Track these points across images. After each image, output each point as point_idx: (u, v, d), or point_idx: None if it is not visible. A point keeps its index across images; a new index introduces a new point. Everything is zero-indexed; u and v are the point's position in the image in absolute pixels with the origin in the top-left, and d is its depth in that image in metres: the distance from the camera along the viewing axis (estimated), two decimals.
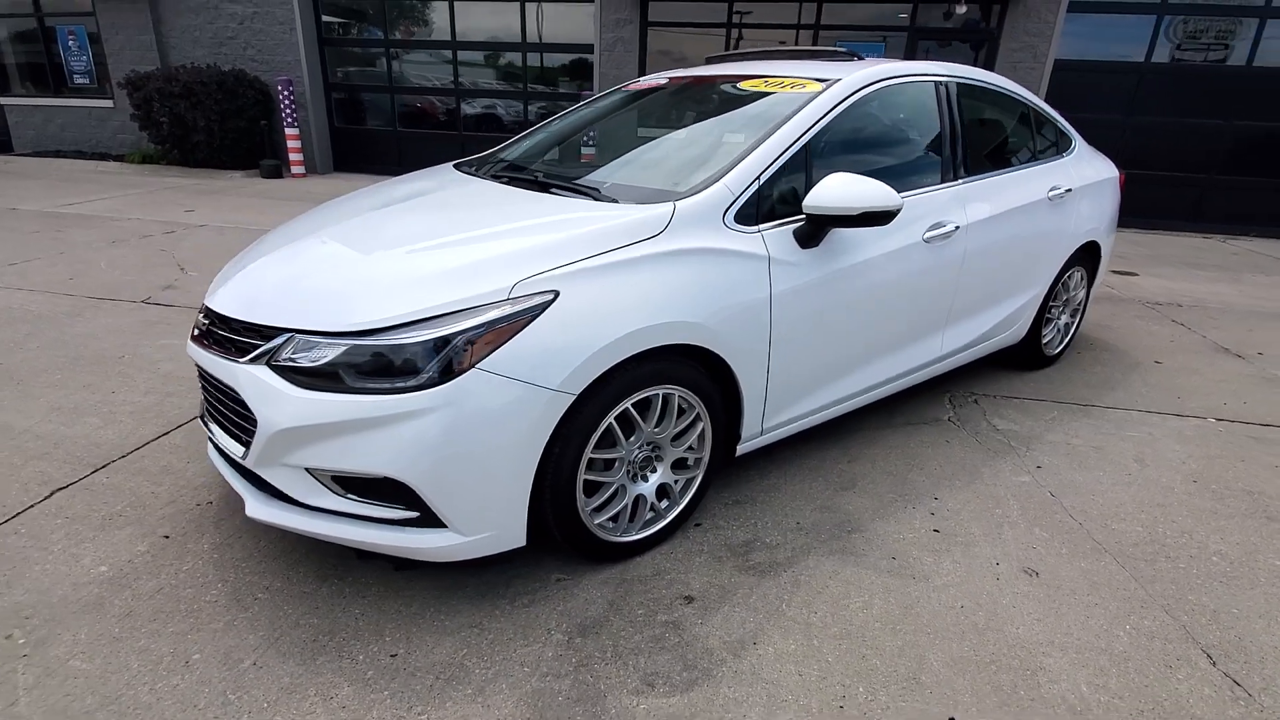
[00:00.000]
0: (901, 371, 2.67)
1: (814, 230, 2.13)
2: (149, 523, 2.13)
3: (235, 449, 1.82)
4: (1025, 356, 3.53)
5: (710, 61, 3.26)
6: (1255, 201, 8.05)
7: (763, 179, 2.08)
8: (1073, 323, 3.75)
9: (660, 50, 8.72)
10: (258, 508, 1.80)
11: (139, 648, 1.65)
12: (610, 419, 1.81)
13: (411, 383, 1.58)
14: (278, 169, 9.10)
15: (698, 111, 2.61)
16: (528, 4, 8.88)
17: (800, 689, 1.62)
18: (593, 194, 2.16)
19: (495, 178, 2.53)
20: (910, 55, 8.11)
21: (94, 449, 2.52)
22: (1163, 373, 3.70)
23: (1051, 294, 3.38)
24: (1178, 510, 2.41)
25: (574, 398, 1.69)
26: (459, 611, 1.82)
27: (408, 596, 1.86)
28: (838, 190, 2.01)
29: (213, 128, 8.54)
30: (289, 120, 9.09)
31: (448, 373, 1.59)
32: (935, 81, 2.71)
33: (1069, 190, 3.24)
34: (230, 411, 1.84)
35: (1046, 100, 7.57)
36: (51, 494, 2.25)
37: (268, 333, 1.73)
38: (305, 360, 1.66)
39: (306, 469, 1.69)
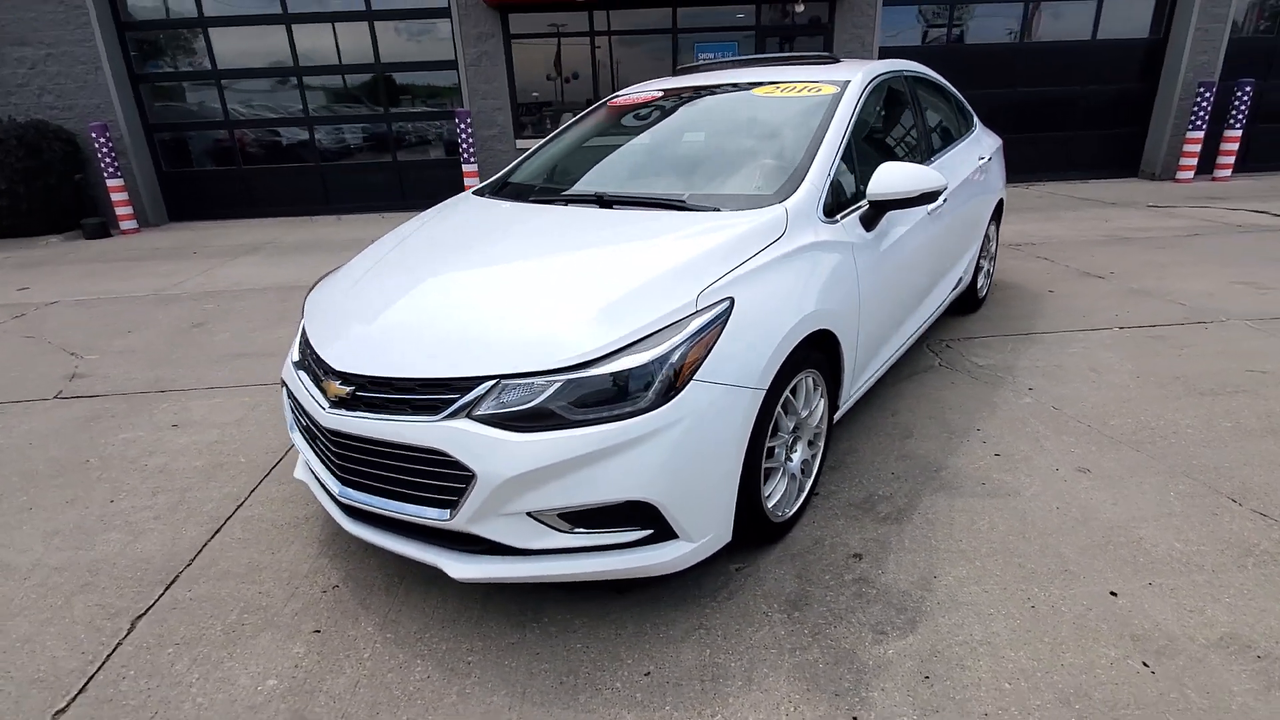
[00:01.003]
0: (917, 328, 3.06)
1: (875, 214, 2.41)
2: (284, 623, 1.92)
3: (430, 514, 1.72)
4: (966, 302, 4.12)
5: (683, 73, 3.45)
6: (1040, 154, 9.78)
7: (830, 175, 2.32)
8: (991, 269, 4.44)
9: (528, 61, 8.73)
10: (463, 568, 1.73)
11: None
12: (779, 408, 1.96)
13: (641, 404, 1.62)
14: (103, 227, 7.87)
15: (728, 119, 2.79)
16: (377, 23, 8.44)
17: (993, 603, 1.89)
18: (678, 206, 2.27)
19: (550, 202, 2.56)
20: (759, 52, 8.84)
21: (145, 565, 2.19)
22: (1059, 299, 4.50)
23: (982, 246, 3.99)
24: (1142, 401, 3.02)
25: (765, 392, 1.82)
26: (674, 621, 1.87)
27: (613, 622, 1.88)
28: (897, 177, 2.30)
29: (16, 189, 7.18)
30: (109, 171, 7.88)
31: (670, 388, 1.65)
32: (903, 75, 3.12)
33: (987, 158, 3.85)
34: (415, 476, 1.73)
35: None
36: (134, 624, 1.94)
37: (460, 385, 1.66)
38: (517, 404, 1.63)
39: (528, 513, 1.66)
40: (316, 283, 2.56)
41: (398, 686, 1.70)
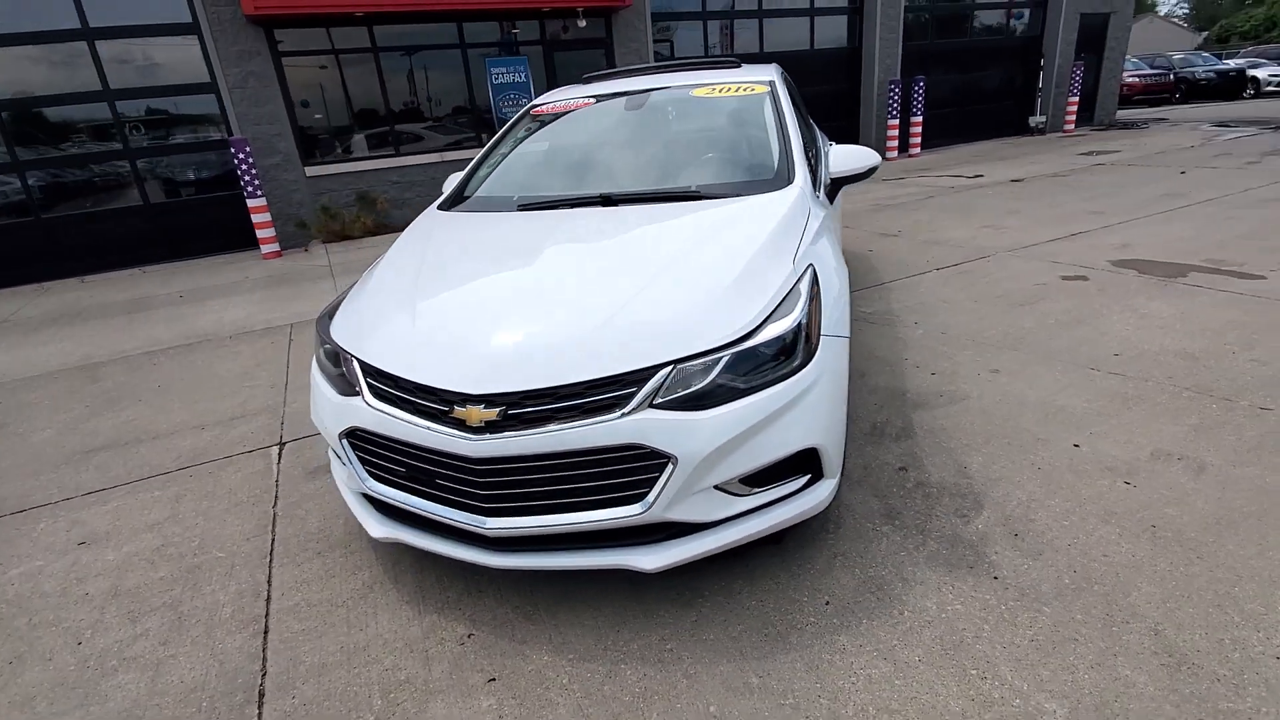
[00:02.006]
0: None
1: (835, 189, 2.84)
2: (446, 685, 1.73)
3: (619, 513, 1.71)
4: None
5: (590, 80, 3.58)
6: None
7: (807, 159, 2.69)
8: None
9: (309, 80, 7.89)
10: (655, 559, 1.75)
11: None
12: None
13: (795, 364, 1.80)
14: None
15: (686, 117, 3.01)
16: (101, 42, 6.94)
17: (1014, 472, 2.41)
18: (693, 196, 2.46)
19: (552, 206, 2.56)
20: (548, 66, 9.11)
21: (203, 694, 1.76)
22: (881, 255, 5.51)
23: None
24: (991, 317, 3.92)
25: (849, 338, 2.11)
26: (812, 559, 2.08)
27: (764, 577, 2.01)
28: (849, 158, 2.75)
29: None
30: None
31: (810, 346, 1.85)
32: (781, 75, 3.62)
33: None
34: (596, 480, 1.70)
35: None
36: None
37: (635, 377, 1.68)
38: (695, 385, 1.70)
39: (715, 486, 1.74)
40: (325, 317, 2.26)
41: (624, 692, 1.67)
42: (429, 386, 1.78)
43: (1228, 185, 7.03)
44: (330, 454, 2.34)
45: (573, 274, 2.06)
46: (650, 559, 1.75)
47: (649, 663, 1.75)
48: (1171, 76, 20.43)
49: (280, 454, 3.06)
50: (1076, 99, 12.94)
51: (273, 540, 2.42)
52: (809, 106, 11.87)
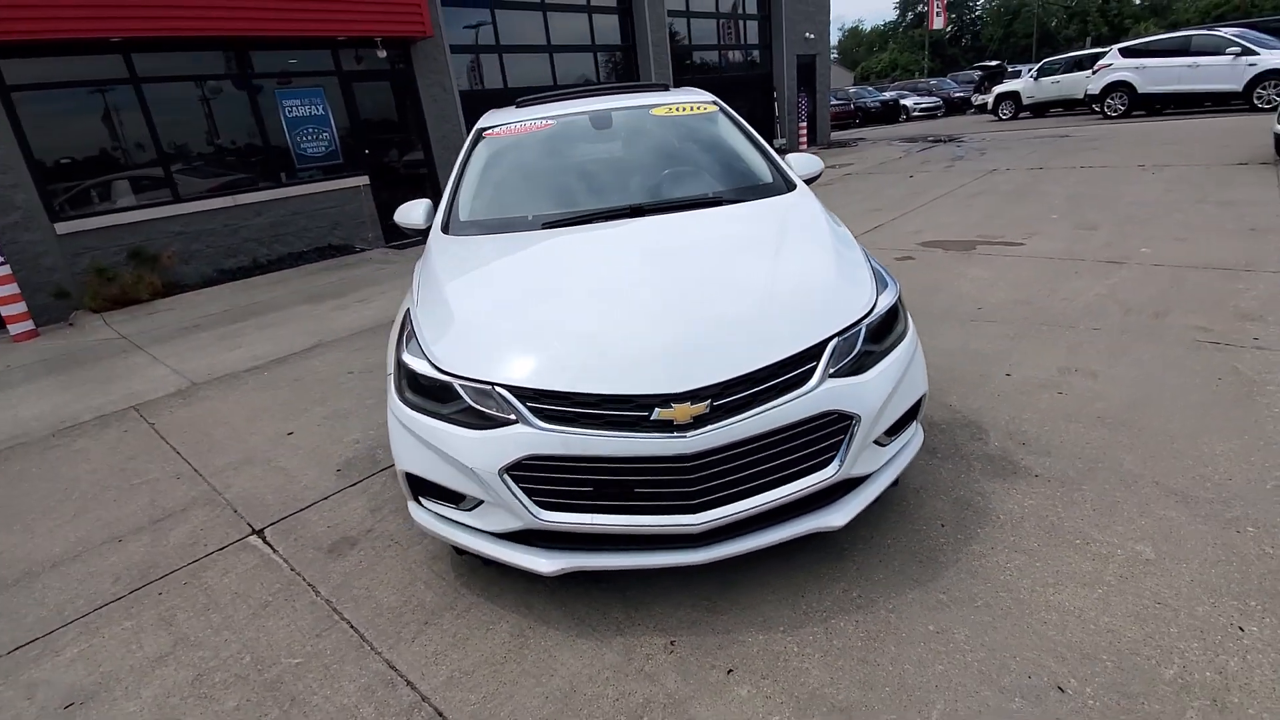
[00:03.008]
0: None
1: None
2: (688, 693, 1.69)
3: (815, 478, 1.84)
4: None
5: (526, 104, 3.56)
6: None
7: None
8: None
9: (48, 124, 6.28)
10: (841, 515, 1.92)
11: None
12: None
13: (902, 328, 2.12)
14: None
15: (658, 133, 3.16)
16: None
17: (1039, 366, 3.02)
18: (715, 202, 2.67)
19: (584, 221, 2.57)
20: (347, 98, 8.43)
21: None
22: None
23: None
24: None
25: None
26: (914, 500, 2.40)
27: (889, 519, 2.28)
28: (807, 163, 3.18)
29: None
30: None
31: (905, 312, 2.18)
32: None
33: None
34: (792, 453, 1.82)
35: (465, 121, 9.38)
36: None
37: (810, 354, 1.84)
38: (849, 353, 1.91)
39: (874, 441, 1.97)
40: (405, 361, 2.02)
41: (852, 640, 1.81)
42: (621, 395, 1.75)
43: (946, 184, 9.08)
44: (423, 515, 2.09)
45: (685, 275, 2.13)
46: (839, 516, 1.92)
47: (851, 611, 1.91)
48: (852, 105, 25.37)
49: (267, 541, 2.56)
50: (805, 124, 15.54)
51: (353, 627, 2.06)
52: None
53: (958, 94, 26.55)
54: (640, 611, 1.99)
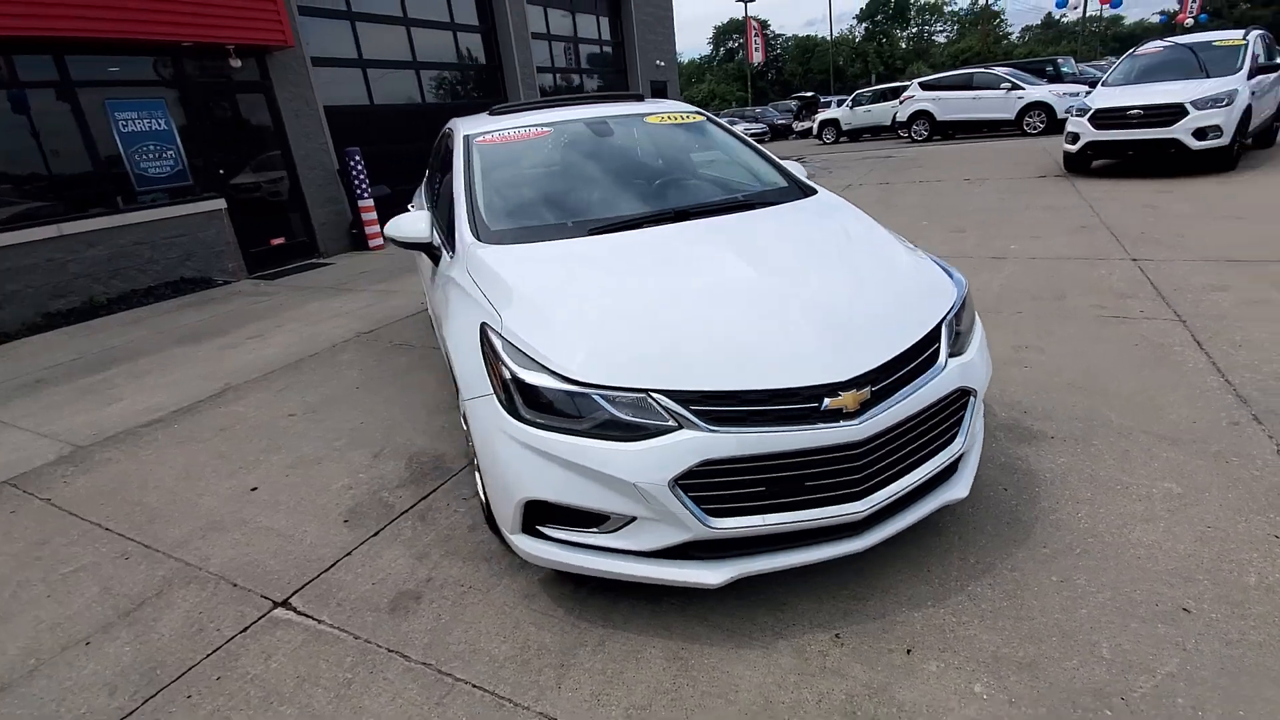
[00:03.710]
0: None
1: None
2: (889, 682, 1.69)
3: (947, 454, 1.94)
4: None
5: (502, 112, 3.38)
6: None
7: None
8: None
9: None
10: (962, 486, 2.03)
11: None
12: None
13: (972, 307, 2.30)
14: None
15: (664, 141, 3.14)
16: None
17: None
18: (748, 204, 2.72)
19: (633, 226, 2.49)
20: (197, 111, 7.37)
21: None
22: None
23: None
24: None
25: None
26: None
27: (951, 510, 2.44)
28: (798, 168, 3.34)
29: None
30: None
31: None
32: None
33: None
34: (930, 431, 1.90)
35: (332, 138, 8.69)
36: None
37: (930, 337, 1.93)
38: (953, 333, 2.04)
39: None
40: (506, 362, 1.82)
41: (998, 599, 1.92)
42: (791, 389, 1.72)
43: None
44: (543, 546, 1.89)
45: (790, 270, 2.15)
46: (960, 488, 2.04)
47: (980, 576, 2.02)
48: None
49: (301, 611, 2.15)
50: None
51: (477, 687, 1.80)
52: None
53: (780, 121, 29.22)
54: (787, 612, 1.95)
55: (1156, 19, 57.21)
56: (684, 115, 3.41)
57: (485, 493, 2.10)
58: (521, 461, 1.81)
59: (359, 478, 2.99)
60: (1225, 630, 1.75)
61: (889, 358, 1.83)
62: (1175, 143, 8.15)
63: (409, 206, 4.84)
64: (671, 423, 1.71)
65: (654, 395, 1.72)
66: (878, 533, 1.87)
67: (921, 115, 16.95)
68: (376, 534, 2.55)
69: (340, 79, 9.25)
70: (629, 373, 1.77)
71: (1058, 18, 72.26)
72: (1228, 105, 8.01)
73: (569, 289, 2.11)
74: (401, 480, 2.93)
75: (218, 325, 5.95)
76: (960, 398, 1.98)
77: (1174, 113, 8.16)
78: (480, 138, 3.05)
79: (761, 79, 75.43)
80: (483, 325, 2.05)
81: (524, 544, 1.93)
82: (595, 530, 1.82)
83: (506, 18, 11.60)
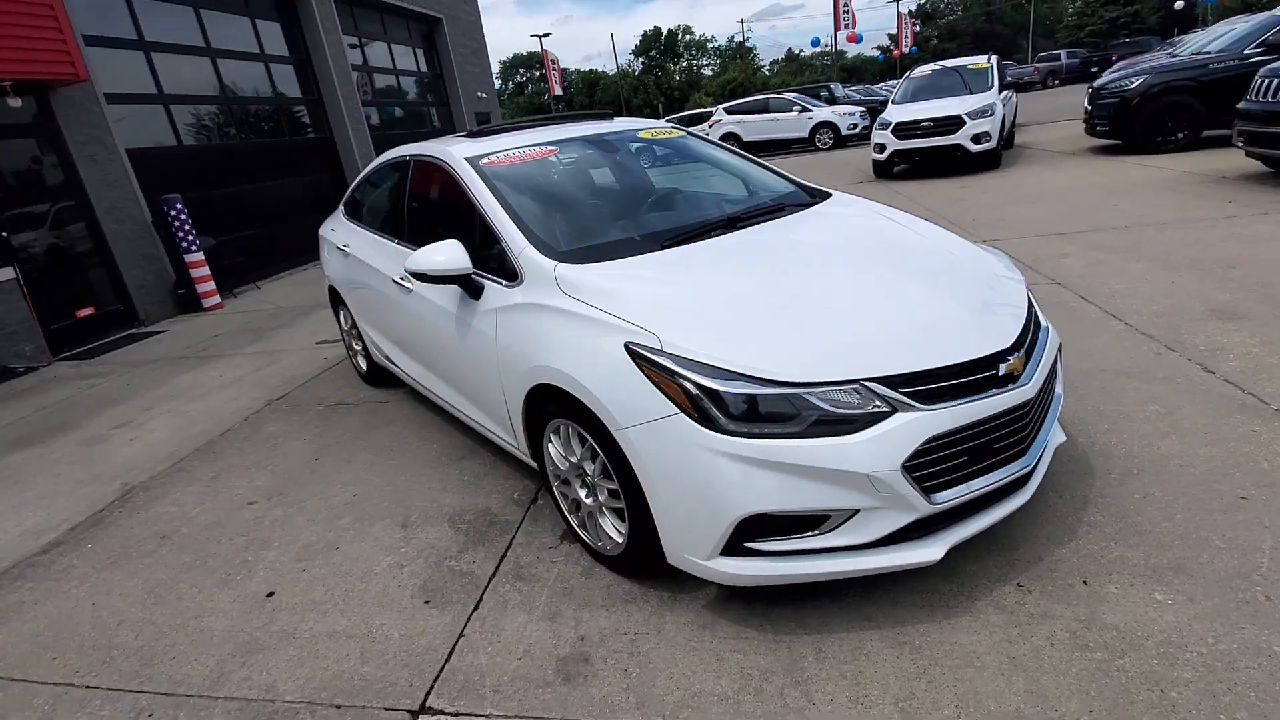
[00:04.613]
0: None
1: None
2: (1052, 633, 1.85)
3: (1058, 402, 2.17)
4: None
5: (481, 135, 3.15)
6: (282, 245, 10.32)
7: None
8: None
9: None
10: (1059, 435, 2.28)
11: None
12: None
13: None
14: None
15: (676, 153, 3.12)
16: None
17: None
18: (780, 208, 2.82)
19: (704, 235, 2.48)
20: None
21: None
22: None
23: None
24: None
25: None
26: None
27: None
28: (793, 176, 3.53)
29: None
30: None
31: None
32: None
33: None
34: (1050, 391, 2.12)
35: (141, 186, 7.45)
36: None
37: (1032, 317, 2.16)
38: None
39: None
40: (686, 375, 1.73)
41: (1114, 551, 2.19)
42: (975, 360, 1.84)
43: None
44: (752, 564, 1.82)
45: (890, 261, 2.28)
46: (1060, 434, 2.29)
47: (1089, 509, 2.29)
48: None
49: (442, 711, 1.81)
50: None
51: None
52: (294, 197, 10.81)
53: None
54: (960, 576, 2.05)
55: (875, 54, 68.57)
56: (668, 131, 3.45)
57: (659, 523, 1.92)
58: (735, 476, 1.72)
59: (403, 553, 2.58)
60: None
61: (1023, 323, 2.02)
62: (960, 147, 9.84)
63: (327, 252, 4.30)
64: (885, 408, 1.74)
65: (868, 384, 1.74)
66: (1031, 486, 2.05)
67: (730, 136, 18.55)
68: (477, 607, 2.22)
69: (142, 118, 7.86)
70: (834, 366, 1.77)
71: (797, 52, 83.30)
72: (992, 115, 9.85)
73: (711, 297, 2.05)
74: (461, 545, 2.58)
75: (56, 420, 4.73)
76: (1055, 368, 2.24)
77: (955, 123, 9.85)
78: (486, 159, 2.82)
79: (556, 107, 77.59)
80: (629, 346, 1.91)
81: (728, 566, 1.82)
82: (813, 533, 1.78)
83: (323, 49, 10.71)
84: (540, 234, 2.46)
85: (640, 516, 1.99)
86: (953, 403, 1.79)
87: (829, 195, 3.05)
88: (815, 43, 38.76)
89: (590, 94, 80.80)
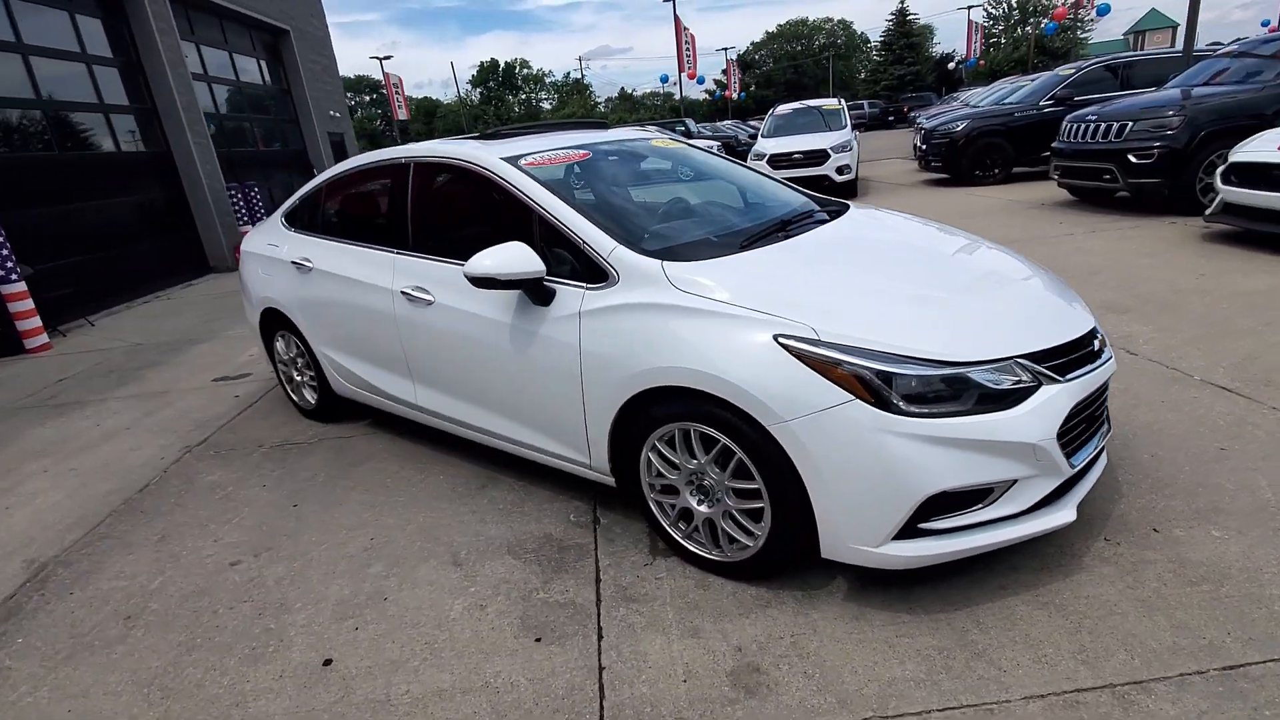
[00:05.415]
0: None
1: None
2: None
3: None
4: None
5: (491, 137, 2.95)
6: (112, 274, 8.78)
7: None
8: None
9: None
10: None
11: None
12: None
13: None
14: None
15: (698, 161, 3.13)
16: None
17: None
18: (827, 215, 2.92)
19: (777, 236, 2.51)
20: None
21: None
22: None
23: None
24: None
25: None
26: None
27: None
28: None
29: None
30: None
31: None
32: None
33: None
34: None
35: None
36: None
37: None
38: None
39: None
40: (855, 362, 1.75)
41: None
42: (1079, 337, 2.04)
43: None
44: (925, 545, 1.85)
45: (961, 254, 2.45)
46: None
47: (1125, 465, 2.60)
48: None
49: None
50: None
51: (956, 708, 1.65)
52: (123, 220, 9.36)
53: None
54: (1054, 544, 2.20)
55: (703, 96, 73.86)
56: (668, 140, 3.46)
57: (821, 515, 1.88)
58: (917, 456, 1.75)
59: (474, 593, 2.28)
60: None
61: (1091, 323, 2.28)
62: (827, 178, 10.88)
63: (264, 263, 3.76)
64: (1033, 382, 1.87)
65: (1019, 360, 1.86)
66: (1100, 470, 2.29)
67: None
68: (601, 636, 2.02)
69: None
70: (987, 346, 1.87)
71: (630, 90, 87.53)
72: (851, 150, 11.03)
73: (834, 289, 2.08)
74: (541, 575, 2.33)
75: None
76: None
77: (822, 156, 10.89)
78: (525, 160, 2.64)
79: (385, 136, 73.97)
80: (780, 338, 1.88)
81: (901, 550, 1.84)
82: (978, 506, 1.86)
83: (157, 52, 9.35)
84: (630, 234, 2.35)
85: (788, 513, 1.95)
86: (1079, 375, 1.97)
87: (847, 205, 3.24)
88: (664, 79, 41.75)
89: (428, 122, 78.47)
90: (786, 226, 2.65)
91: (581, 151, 2.88)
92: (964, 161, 10.76)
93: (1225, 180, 5.59)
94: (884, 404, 1.78)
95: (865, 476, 1.79)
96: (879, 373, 1.79)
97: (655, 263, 2.18)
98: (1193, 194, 6.72)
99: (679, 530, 2.28)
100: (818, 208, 2.97)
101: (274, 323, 3.84)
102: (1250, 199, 5.35)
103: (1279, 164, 5.13)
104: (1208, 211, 5.84)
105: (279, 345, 3.91)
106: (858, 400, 1.78)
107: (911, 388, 1.79)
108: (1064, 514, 1.96)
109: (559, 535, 2.56)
